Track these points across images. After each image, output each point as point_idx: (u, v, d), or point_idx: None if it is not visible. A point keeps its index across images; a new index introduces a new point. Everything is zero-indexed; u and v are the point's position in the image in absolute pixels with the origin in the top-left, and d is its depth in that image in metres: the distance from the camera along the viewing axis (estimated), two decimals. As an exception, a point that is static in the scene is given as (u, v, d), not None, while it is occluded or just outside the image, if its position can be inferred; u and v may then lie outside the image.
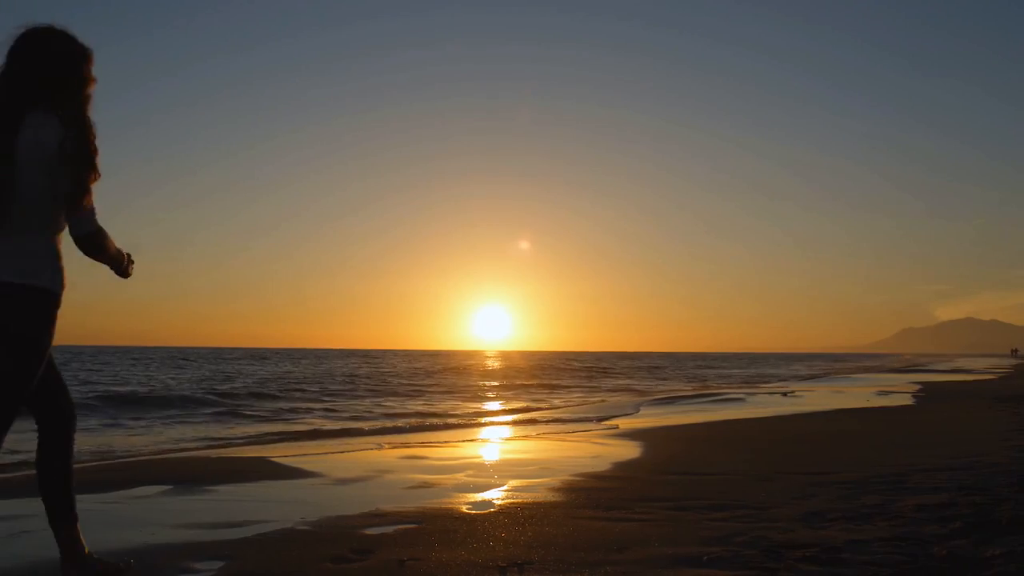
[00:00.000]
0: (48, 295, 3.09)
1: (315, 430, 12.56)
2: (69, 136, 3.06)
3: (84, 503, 5.42)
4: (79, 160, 3.06)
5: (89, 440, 11.15)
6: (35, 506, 3.57)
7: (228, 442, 10.91)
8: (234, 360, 62.57)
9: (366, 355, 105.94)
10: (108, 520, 4.82)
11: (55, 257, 3.13)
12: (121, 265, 3.31)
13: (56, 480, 3.31)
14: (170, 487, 6.15)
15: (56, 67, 3.14)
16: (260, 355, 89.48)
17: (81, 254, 3.18)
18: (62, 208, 3.10)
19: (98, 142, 3.15)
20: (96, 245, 3.17)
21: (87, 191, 3.09)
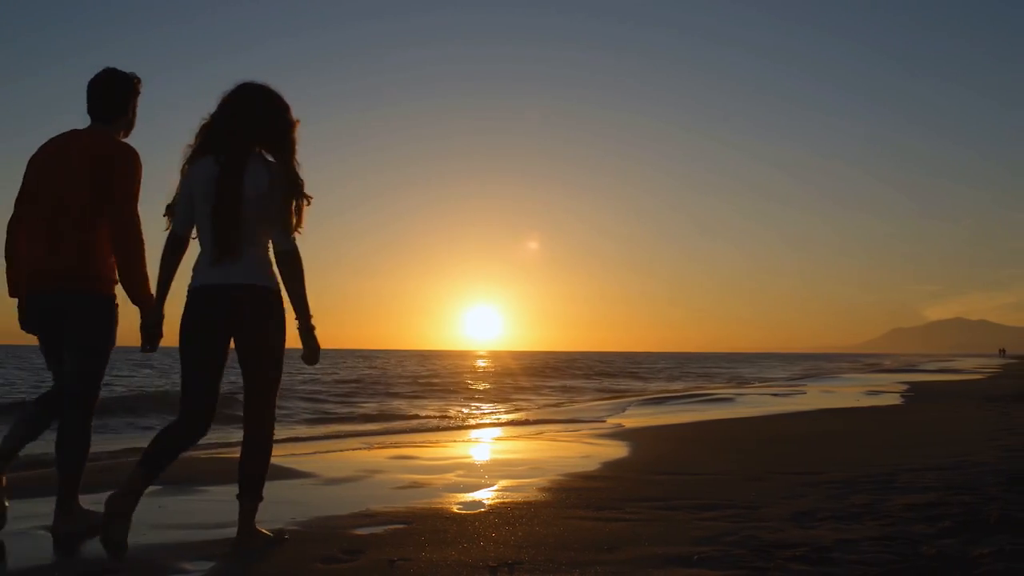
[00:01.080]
0: (279, 296, 3.96)
1: (296, 436, 12.55)
2: (279, 176, 3.89)
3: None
4: (287, 194, 3.90)
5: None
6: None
7: (218, 443, 10.88)
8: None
9: (357, 355, 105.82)
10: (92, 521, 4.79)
11: (270, 264, 3.95)
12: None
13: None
14: (159, 487, 6.11)
15: (269, 120, 3.94)
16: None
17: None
18: (273, 229, 3.92)
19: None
20: (291, 259, 3.95)
21: (292, 216, 3.93)
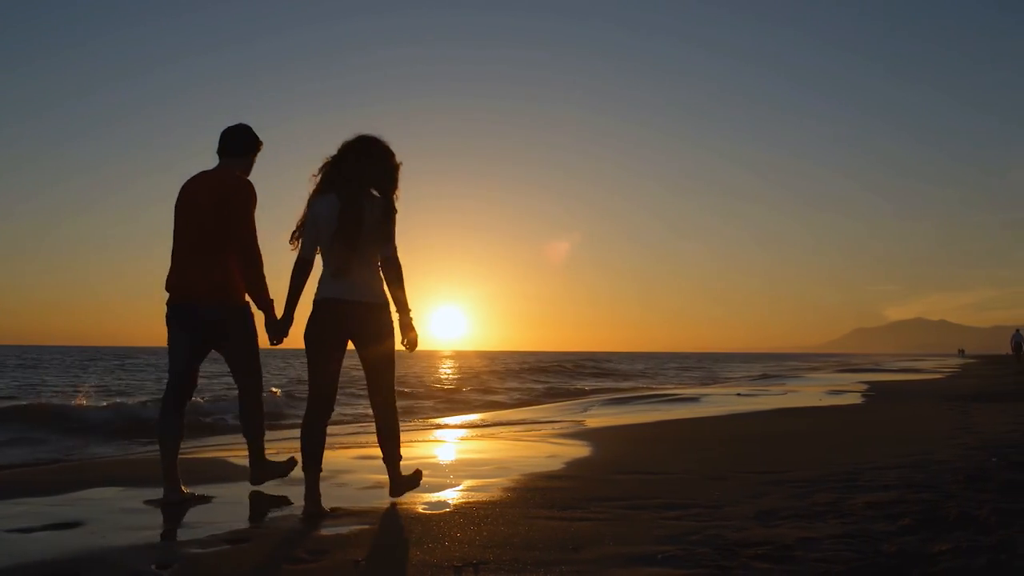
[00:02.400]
0: (388, 309, 5.02)
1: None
2: (386, 208, 4.96)
3: (31, 506, 5.36)
4: (390, 224, 4.96)
5: (44, 447, 10.99)
6: None
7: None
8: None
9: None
10: (56, 523, 4.74)
11: (380, 282, 5.00)
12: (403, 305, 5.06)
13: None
14: (121, 489, 6.06)
15: (380, 166, 5.00)
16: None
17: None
18: (379, 249, 4.97)
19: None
20: (393, 265, 5.00)
21: (392, 239, 4.98)
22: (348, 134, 5.10)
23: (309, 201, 5.01)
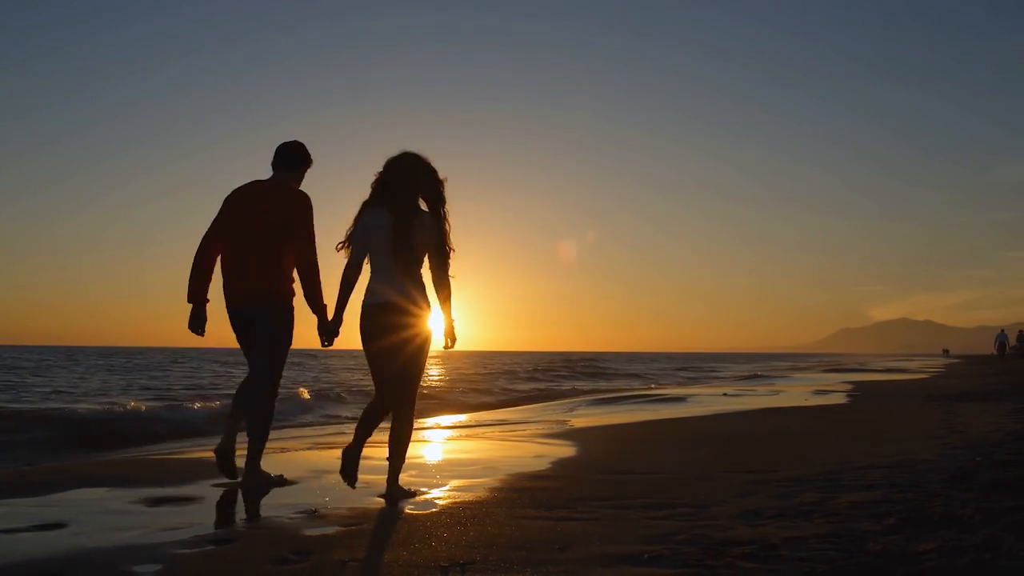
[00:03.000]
0: (426, 310, 5.37)
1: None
2: (433, 224, 5.34)
3: (15, 507, 5.33)
4: (441, 238, 5.35)
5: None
6: None
7: (167, 446, 10.77)
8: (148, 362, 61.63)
9: (307, 355, 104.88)
10: (41, 524, 4.72)
11: (424, 289, 5.36)
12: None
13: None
14: (106, 489, 6.03)
15: (425, 181, 5.36)
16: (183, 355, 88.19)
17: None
18: (431, 261, 5.40)
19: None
20: (442, 277, 5.42)
21: (447, 253, 5.38)
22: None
23: (359, 213, 5.37)
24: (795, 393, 21.01)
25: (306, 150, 6.06)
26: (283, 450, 8.77)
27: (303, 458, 7.97)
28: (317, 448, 8.98)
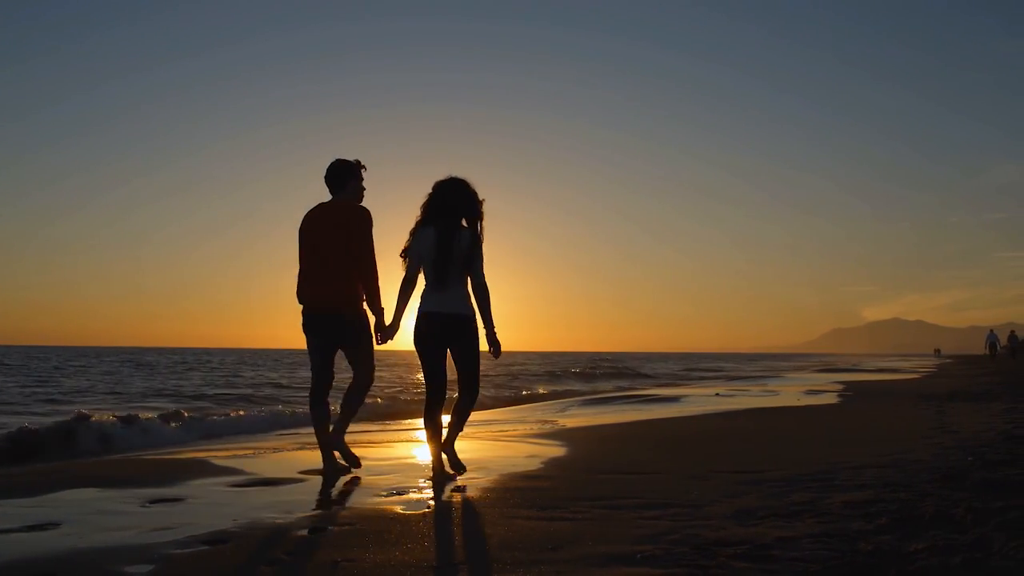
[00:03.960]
0: (474, 319, 6.18)
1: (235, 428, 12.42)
2: (474, 241, 6.12)
3: (7, 507, 5.31)
4: (477, 252, 6.12)
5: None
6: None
7: (161, 446, 10.74)
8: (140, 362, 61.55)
9: (300, 355, 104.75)
10: (33, 524, 4.71)
11: (469, 297, 6.16)
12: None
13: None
14: (98, 489, 6.02)
15: (472, 204, 6.19)
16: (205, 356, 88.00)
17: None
18: (470, 273, 6.13)
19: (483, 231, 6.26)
20: (482, 290, 6.16)
21: (479, 264, 6.12)
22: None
23: (412, 231, 6.21)
24: (788, 393, 21.04)
25: (345, 167, 6.58)
26: (275, 450, 8.76)
27: (294, 458, 7.95)
28: (307, 449, 8.98)
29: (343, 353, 6.61)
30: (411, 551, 3.94)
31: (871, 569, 3.51)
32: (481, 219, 6.23)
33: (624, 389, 26.60)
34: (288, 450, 8.78)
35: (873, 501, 4.98)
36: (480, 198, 6.23)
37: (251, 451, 8.70)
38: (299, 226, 6.60)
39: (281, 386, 30.44)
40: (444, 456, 6.37)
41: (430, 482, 6.14)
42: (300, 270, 6.56)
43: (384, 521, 4.68)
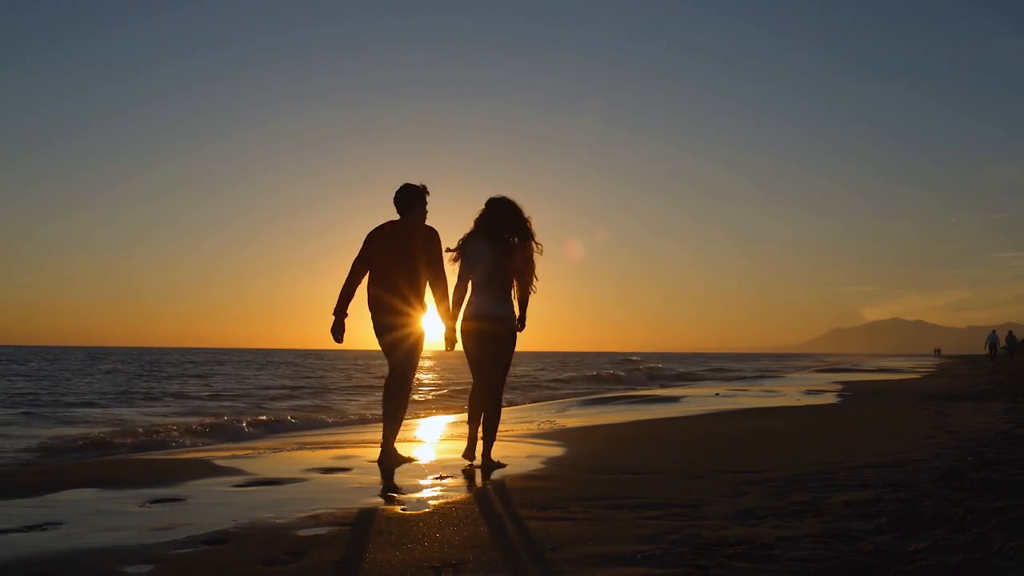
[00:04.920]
0: (515, 321, 6.85)
1: (236, 429, 12.42)
2: (523, 253, 6.75)
3: (7, 507, 5.31)
4: (529, 266, 6.79)
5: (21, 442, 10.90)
6: None
7: (161, 444, 10.74)
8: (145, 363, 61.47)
9: (308, 355, 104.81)
10: (33, 524, 4.71)
11: (512, 302, 6.83)
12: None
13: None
14: (98, 490, 6.02)
15: (516, 220, 6.80)
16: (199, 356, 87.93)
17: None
18: (516, 282, 6.82)
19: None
20: (526, 299, 6.89)
21: (530, 277, 6.84)
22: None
23: (464, 242, 6.84)
24: (788, 393, 21.04)
25: (414, 191, 7.01)
26: (275, 450, 8.76)
27: (294, 458, 7.95)
28: (311, 449, 8.98)
29: (392, 348, 6.94)
30: (411, 551, 3.94)
31: (871, 569, 3.52)
32: (532, 236, 6.84)
33: (624, 390, 26.57)
34: (288, 450, 8.78)
35: (873, 501, 4.98)
36: (526, 215, 6.82)
37: (252, 451, 8.70)
38: (369, 238, 7.04)
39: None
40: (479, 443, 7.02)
41: (431, 481, 6.14)
42: (372, 280, 6.95)
43: (384, 521, 4.68)
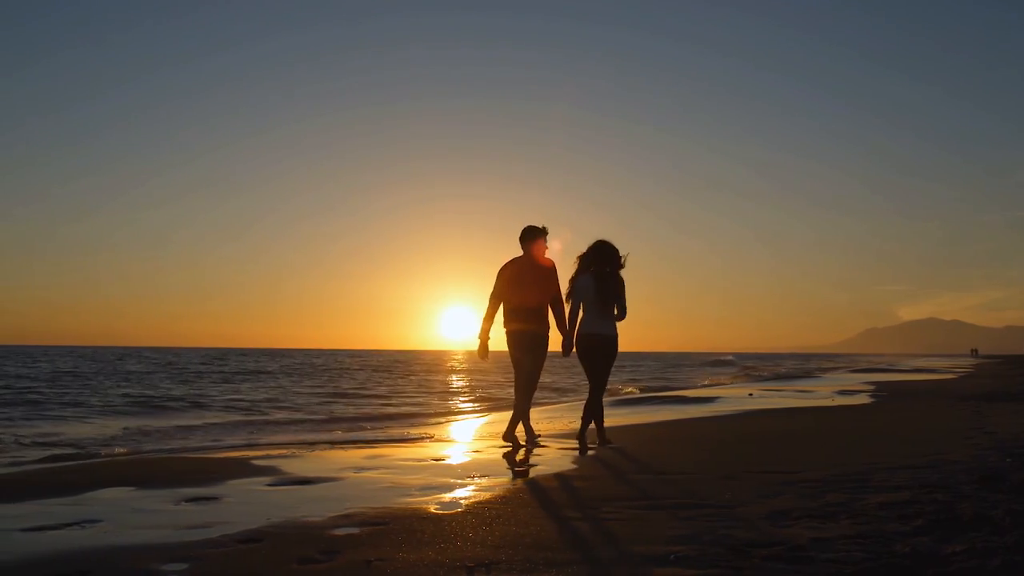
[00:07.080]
0: (615, 336, 8.64)
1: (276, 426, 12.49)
2: (620, 284, 8.57)
3: (45, 506, 5.39)
4: (622, 291, 8.58)
5: (54, 439, 11.03)
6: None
7: (200, 446, 10.83)
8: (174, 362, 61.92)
9: (335, 355, 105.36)
10: (68, 522, 4.76)
11: (615, 322, 8.62)
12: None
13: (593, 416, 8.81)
14: (135, 488, 6.09)
15: (614, 258, 8.62)
16: (221, 355, 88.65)
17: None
18: (617, 305, 8.60)
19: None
20: (621, 319, 8.64)
21: (623, 301, 8.58)
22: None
23: (574, 277, 8.68)
24: (821, 393, 20.88)
25: (529, 232, 8.90)
26: (311, 448, 8.80)
27: (328, 457, 8.00)
28: (343, 449, 9.02)
29: (528, 356, 8.81)
30: (444, 551, 3.95)
31: (907, 571, 3.48)
32: (622, 267, 8.61)
33: (656, 390, 26.46)
34: (323, 450, 8.83)
35: (909, 502, 4.93)
36: (622, 254, 8.65)
37: (288, 451, 8.76)
38: (501, 272, 8.87)
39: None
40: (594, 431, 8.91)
41: (462, 479, 6.15)
42: (509, 307, 8.80)
43: (417, 520, 4.69)
